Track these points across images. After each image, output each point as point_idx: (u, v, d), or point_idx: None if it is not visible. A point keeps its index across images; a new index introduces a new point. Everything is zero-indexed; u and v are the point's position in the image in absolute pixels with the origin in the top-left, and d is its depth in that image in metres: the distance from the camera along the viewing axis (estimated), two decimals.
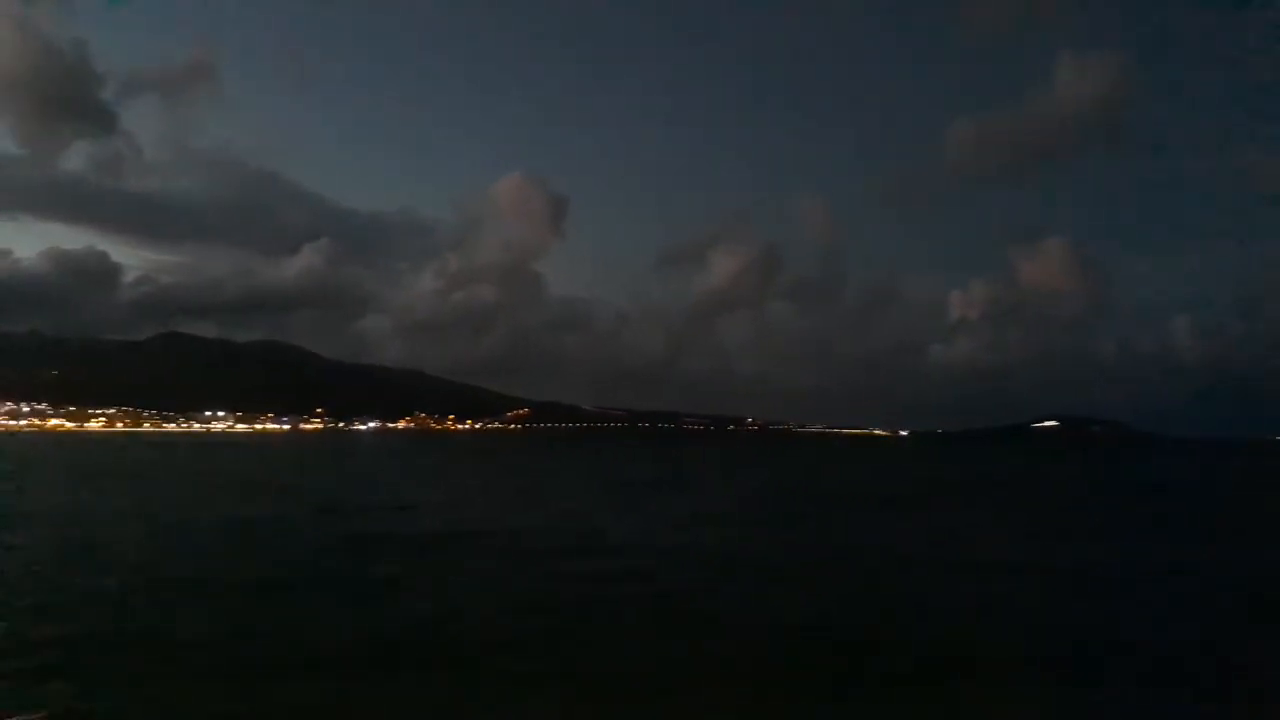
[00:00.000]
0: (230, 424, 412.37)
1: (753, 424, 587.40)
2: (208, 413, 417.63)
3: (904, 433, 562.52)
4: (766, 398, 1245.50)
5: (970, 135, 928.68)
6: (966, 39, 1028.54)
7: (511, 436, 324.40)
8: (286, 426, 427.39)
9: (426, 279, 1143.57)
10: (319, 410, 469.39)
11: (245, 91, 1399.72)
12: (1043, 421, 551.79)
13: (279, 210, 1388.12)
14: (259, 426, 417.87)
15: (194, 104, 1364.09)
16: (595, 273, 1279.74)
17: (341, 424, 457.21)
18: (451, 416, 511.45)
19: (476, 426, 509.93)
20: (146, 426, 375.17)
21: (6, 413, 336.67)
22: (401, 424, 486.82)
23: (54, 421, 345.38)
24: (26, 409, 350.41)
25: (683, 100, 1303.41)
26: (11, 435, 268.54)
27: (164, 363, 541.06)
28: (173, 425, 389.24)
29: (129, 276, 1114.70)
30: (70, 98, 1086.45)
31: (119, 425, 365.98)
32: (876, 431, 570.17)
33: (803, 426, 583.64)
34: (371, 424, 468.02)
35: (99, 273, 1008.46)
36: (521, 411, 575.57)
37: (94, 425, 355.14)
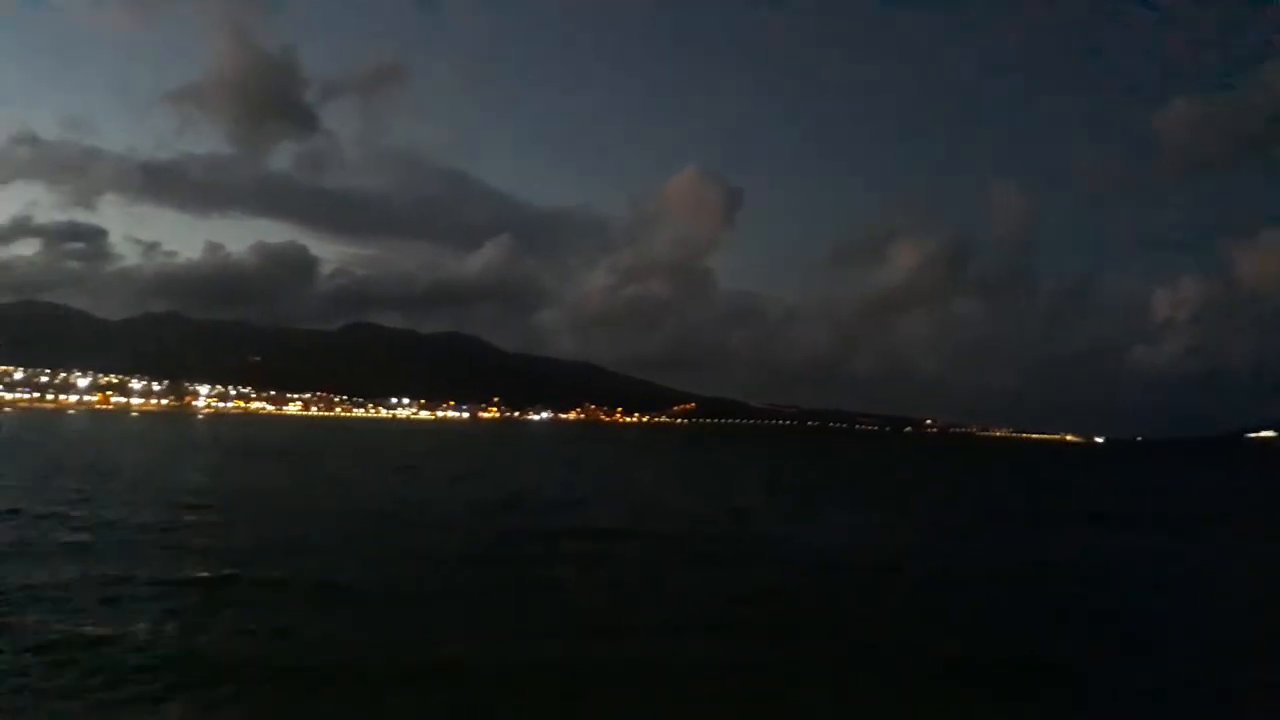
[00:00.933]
0: (414, 411, 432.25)
1: (931, 426, 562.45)
2: (393, 399, 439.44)
3: (1099, 439, 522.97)
4: (947, 399, 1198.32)
5: (1184, 120, 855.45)
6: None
7: (677, 431, 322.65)
8: (465, 415, 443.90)
9: (600, 274, 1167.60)
10: (495, 400, 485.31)
11: (435, 93, 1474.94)
12: (1259, 431, 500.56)
13: (464, 207, 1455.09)
14: (440, 414, 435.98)
15: (386, 105, 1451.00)
16: (766, 267, 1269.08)
17: (516, 413, 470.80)
18: (620, 409, 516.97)
19: (643, 420, 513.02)
20: (338, 411, 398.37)
21: (216, 395, 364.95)
22: (572, 415, 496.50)
23: (256, 405, 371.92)
24: (233, 392, 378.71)
25: (861, 86, 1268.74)
26: (219, 416, 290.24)
27: (354, 351, 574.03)
28: (361, 411, 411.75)
29: (326, 269, 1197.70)
30: (278, 100, 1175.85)
31: (313, 410, 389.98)
32: (1069, 437, 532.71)
33: (986, 430, 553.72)
34: (544, 414, 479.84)
35: (299, 266, 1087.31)
36: (688, 406, 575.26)
37: (291, 409, 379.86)
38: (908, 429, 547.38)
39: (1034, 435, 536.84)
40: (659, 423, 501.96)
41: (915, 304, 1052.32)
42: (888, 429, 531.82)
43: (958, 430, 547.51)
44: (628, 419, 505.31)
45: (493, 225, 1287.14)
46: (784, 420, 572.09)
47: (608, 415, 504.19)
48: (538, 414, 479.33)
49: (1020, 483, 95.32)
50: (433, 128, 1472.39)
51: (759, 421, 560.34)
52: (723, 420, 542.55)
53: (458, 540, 31.05)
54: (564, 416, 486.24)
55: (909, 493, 70.29)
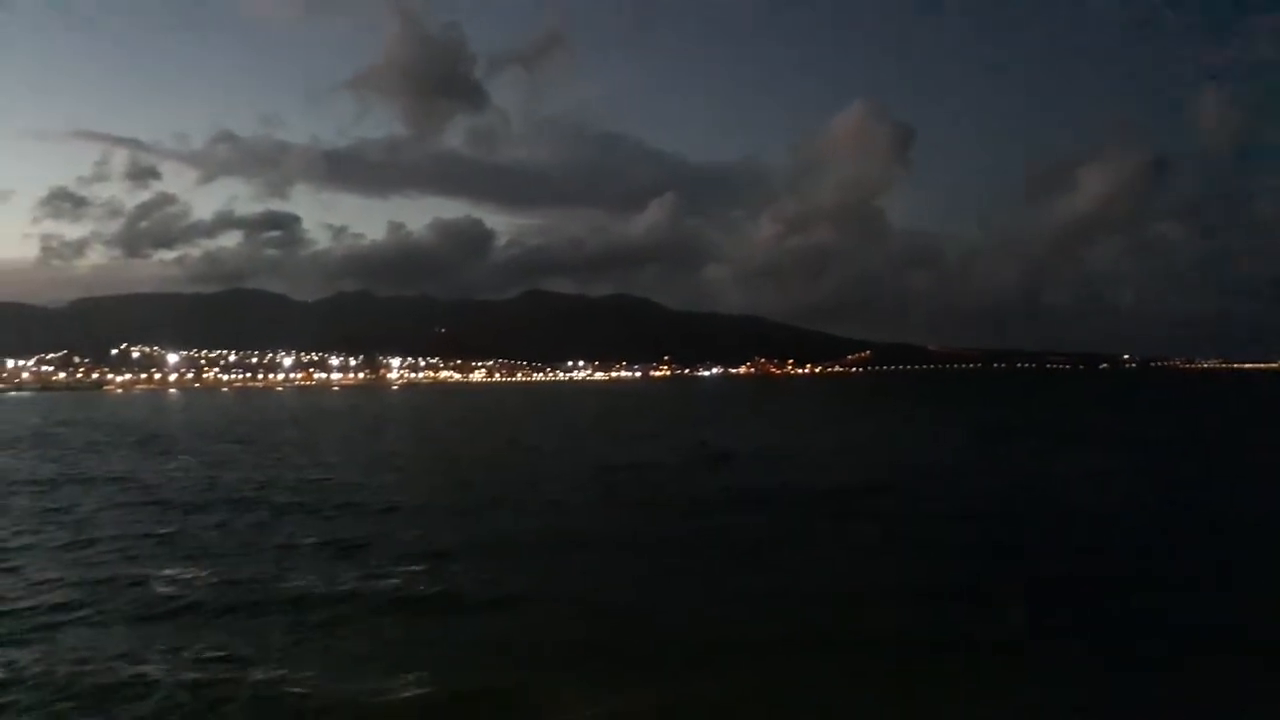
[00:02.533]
0: (589, 373, 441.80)
1: (1129, 361, 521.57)
2: (569, 362, 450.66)
3: None
4: (1146, 331, 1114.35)
5: None
6: None
7: (855, 381, 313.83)
8: (637, 374, 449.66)
9: (765, 225, 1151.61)
10: (665, 358, 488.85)
11: (594, 57, 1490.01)
12: None
13: (627, 169, 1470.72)
14: (612, 374, 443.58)
15: (549, 74, 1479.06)
16: (944, 205, 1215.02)
17: (686, 370, 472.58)
18: (791, 361, 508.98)
19: (816, 371, 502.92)
20: (518, 376, 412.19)
21: (407, 366, 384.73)
22: (742, 370, 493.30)
23: (444, 374, 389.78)
24: (422, 363, 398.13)
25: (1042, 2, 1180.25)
26: (412, 386, 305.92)
27: (529, 318, 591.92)
28: (539, 375, 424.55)
29: (500, 241, 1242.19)
30: (448, 79, 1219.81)
31: (496, 376, 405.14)
32: None
33: (1191, 363, 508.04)
34: (714, 370, 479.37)
35: (475, 239, 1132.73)
36: (863, 354, 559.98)
37: (476, 376, 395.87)
38: (1103, 366, 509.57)
39: (1247, 365, 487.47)
40: (833, 373, 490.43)
41: (1109, 232, 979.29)
42: (1081, 367, 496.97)
43: (1159, 365, 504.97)
44: (799, 371, 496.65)
45: (656, 186, 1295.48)
46: (967, 364, 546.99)
47: (778, 368, 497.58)
48: (708, 370, 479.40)
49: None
50: (594, 93, 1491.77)
51: (940, 366, 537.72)
52: (901, 367, 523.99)
53: (686, 496, 29.46)
54: (734, 371, 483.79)
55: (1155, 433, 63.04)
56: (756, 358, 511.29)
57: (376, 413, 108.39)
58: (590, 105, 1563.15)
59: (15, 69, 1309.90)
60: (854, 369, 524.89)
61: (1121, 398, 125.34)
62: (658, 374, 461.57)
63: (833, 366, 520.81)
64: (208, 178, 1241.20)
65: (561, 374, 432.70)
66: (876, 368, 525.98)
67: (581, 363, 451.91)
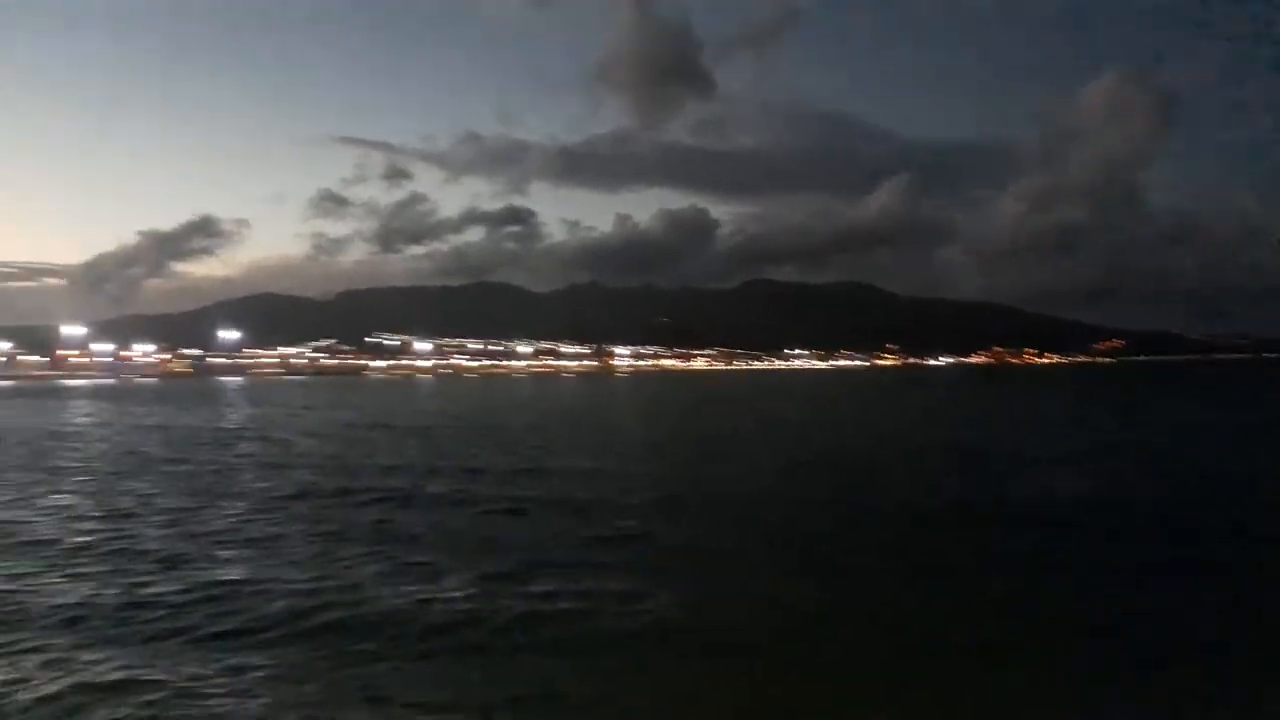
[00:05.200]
0: (810, 361, 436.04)
1: None
2: (788, 351, 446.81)
3: None
4: None
5: None
6: None
7: (1104, 371, 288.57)
8: (862, 363, 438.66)
9: (1006, 204, 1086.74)
10: (891, 346, 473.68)
11: (819, 38, 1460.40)
12: None
13: (854, 152, 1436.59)
14: (835, 363, 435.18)
15: (778, 56, 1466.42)
16: (1212, 177, 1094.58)
17: (914, 359, 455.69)
18: (1030, 350, 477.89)
19: (1059, 360, 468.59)
20: (737, 364, 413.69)
21: (632, 354, 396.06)
22: (976, 359, 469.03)
23: (666, 361, 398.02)
24: (646, 351, 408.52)
25: None
26: (637, 374, 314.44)
27: (750, 306, 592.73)
28: (758, 363, 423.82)
29: (723, 229, 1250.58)
30: (677, 67, 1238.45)
31: (716, 364, 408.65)
32: None
33: None
34: (945, 359, 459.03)
35: (699, 228, 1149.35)
36: (1113, 343, 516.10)
37: (697, 364, 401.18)
38: None
39: None
40: (1079, 363, 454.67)
41: None
42: None
43: None
44: (1041, 360, 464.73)
45: (887, 166, 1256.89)
46: (1235, 354, 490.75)
47: (1016, 357, 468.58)
48: (938, 359, 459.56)
49: None
50: (818, 75, 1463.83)
51: (1202, 357, 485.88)
52: (1158, 357, 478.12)
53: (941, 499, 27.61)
54: (967, 360, 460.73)
55: None
56: (993, 346, 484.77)
57: (645, 397, 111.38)
58: (813, 87, 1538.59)
59: (285, 84, 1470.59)
60: (1102, 358, 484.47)
61: None
62: (883, 362, 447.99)
63: (1079, 356, 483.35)
64: (453, 177, 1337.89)
65: (780, 362, 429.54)
66: (1130, 357, 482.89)
67: (802, 351, 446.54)
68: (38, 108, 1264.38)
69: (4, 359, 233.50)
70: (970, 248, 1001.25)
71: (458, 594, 14.79)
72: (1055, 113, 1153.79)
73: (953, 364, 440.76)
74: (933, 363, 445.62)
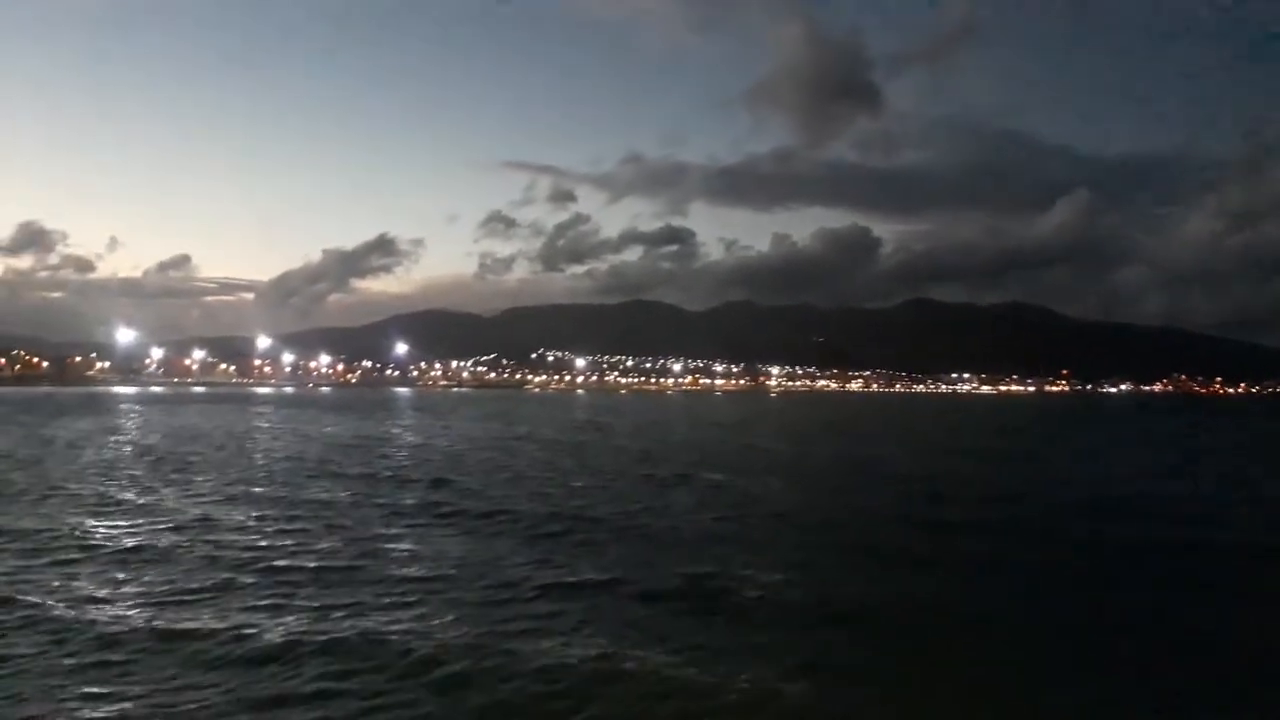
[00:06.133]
0: (975, 385, 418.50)
1: None
2: (953, 374, 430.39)
3: None
4: None
5: None
6: None
7: None
8: (1030, 388, 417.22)
9: (1199, 222, 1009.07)
10: (1064, 372, 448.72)
11: (992, 52, 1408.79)
12: None
13: (1025, 168, 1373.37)
14: (1002, 388, 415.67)
15: (950, 71, 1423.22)
16: None
17: (1089, 386, 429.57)
18: (1219, 379, 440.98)
19: (1254, 390, 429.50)
20: (897, 388, 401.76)
21: (785, 374, 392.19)
22: (1157, 386, 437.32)
23: (821, 382, 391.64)
24: (799, 371, 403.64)
25: None
26: (789, 394, 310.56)
27: (912, 327, 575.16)
28: (920, 387, 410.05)
29: (886, 248, 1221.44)
30: (846, 85, 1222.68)
31: (874, 386, 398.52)
32: None
33: None
34: (1123, 386, 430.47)
35: (861, 247, 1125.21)
36: None
37: (853, 386, 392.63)
38: None
39: None
40: (1275, 393, 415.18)
41: None
42: None
43: None
44: (1230, 390, 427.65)
45: (1062, 183, 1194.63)
46: None
47: (1203, 386, 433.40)
48: (1115, 386, 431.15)
49: None
50: (991, 89, 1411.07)
51: None
52: None
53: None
54: (1147, 388, 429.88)
55: None
56: (1176, 373, 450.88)
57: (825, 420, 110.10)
58: (982, 103, 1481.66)
59: (461, 113, 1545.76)
60: None
61: None
62: (1054, 389, 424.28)
63: (1275, 386, 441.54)
64: (615, 198, 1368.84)
65: (944, 386, 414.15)
66: None
67: (967, 375, 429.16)
68: (232, 147, 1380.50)
69: (197, 365, 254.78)
70: (1155, 268, 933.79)
71: None
72: (1265, 123, 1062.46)
73: (1131, 391, 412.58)
74: (1110, 390, 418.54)
